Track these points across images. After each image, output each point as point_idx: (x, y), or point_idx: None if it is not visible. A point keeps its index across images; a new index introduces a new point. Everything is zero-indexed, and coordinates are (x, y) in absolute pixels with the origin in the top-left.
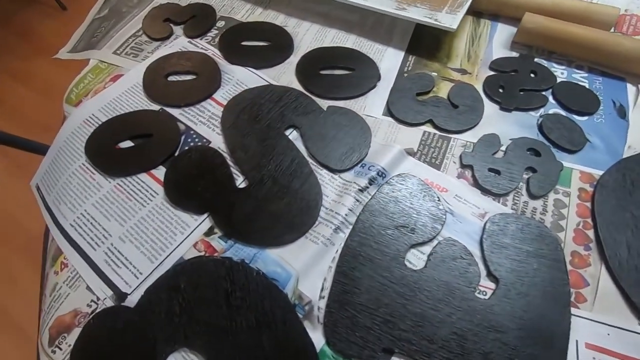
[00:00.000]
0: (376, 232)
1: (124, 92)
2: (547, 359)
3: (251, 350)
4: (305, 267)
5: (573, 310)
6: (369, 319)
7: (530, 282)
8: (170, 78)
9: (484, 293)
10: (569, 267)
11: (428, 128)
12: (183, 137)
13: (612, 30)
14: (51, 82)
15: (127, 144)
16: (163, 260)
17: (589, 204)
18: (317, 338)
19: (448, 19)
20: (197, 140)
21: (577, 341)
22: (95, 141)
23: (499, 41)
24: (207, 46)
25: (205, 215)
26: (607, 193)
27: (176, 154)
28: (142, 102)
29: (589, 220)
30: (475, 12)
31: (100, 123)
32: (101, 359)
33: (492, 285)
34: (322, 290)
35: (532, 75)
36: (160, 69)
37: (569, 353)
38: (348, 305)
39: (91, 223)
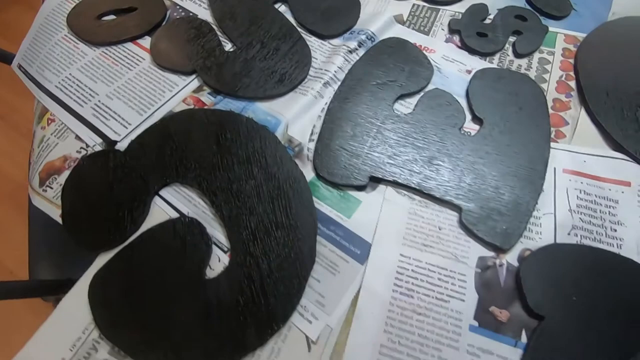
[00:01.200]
0: (365, 83)
1: None
2: (527, 180)
3: (242, 180)
4: (295, 116)
5: (552, 145)
6: (356, 154)
7: (514, 122)
8: None
9: (469, 133)
10: (550, 112)
11: (417, 1)
12: (169, 12)
13: None
14: (27, 32)
15: (110, 18)
16: (152, 113)
17: (572, 60)
18: (307, 172)
19: None
20: (183, 14)
21: (554, 168)
22: (78, 14)
23: None
24: None
25: (194, 75)
26: (590, 50)
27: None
28: None
29: (572, 73)
30: None
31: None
32: (93, 194)
33: (477, 127)
34: (311, 134)
35: None
36: None
37: (547, 177)
38: (337, 143)
39: (77, 84)
